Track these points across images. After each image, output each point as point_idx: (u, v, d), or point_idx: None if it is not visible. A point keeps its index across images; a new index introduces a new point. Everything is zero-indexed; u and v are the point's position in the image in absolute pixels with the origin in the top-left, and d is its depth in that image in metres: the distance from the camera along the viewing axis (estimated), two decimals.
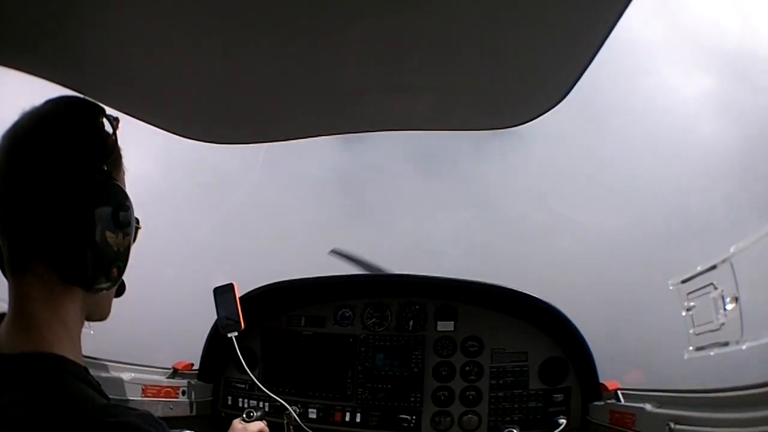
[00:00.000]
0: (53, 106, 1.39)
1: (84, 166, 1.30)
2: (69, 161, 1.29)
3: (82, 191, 1.27)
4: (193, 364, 3.95)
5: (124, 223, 1.34)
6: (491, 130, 2.08)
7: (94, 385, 1.27)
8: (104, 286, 1.35)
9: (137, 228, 1.45)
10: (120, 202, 1.34)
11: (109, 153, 1.38)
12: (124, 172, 1.44)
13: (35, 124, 1.32)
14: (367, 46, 1.56)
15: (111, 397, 1.29)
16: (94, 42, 1.53)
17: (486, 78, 1.74)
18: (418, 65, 1.67)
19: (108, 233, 1.30)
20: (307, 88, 1.82)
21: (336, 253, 4.65)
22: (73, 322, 1.32)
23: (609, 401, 3.25)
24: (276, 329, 4.06)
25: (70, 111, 1.39)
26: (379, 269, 4.43)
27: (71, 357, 1.25)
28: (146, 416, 1.21)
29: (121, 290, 1.47)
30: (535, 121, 1.95)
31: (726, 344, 2.42)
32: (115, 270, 1.35)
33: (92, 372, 1.31)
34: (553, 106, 1.85)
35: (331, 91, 1.85)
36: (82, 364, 1.29)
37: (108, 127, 1.42)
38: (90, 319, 1.41)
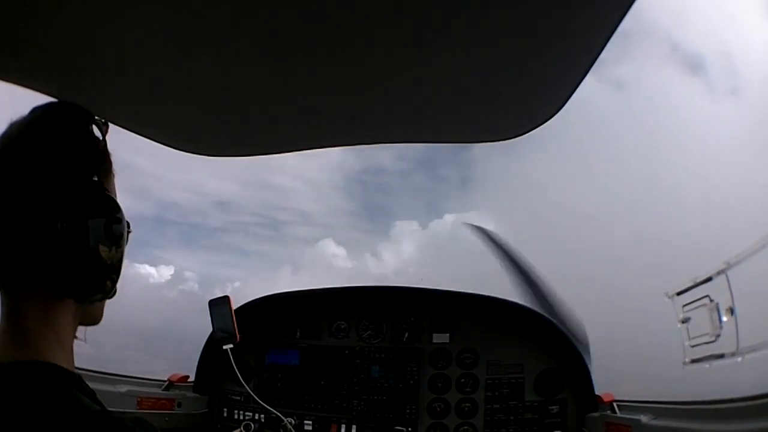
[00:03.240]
0: (41, 113, 1.37)
1: (74, 177, 1.28)
2: (58, 172, 1.26)
3: (73, 204, 1.25)
4: (188, 377, 3.95)
5: (117, 236, 1.33)
6: (489, 142, 2.08)
7: (88, 392, 1.24)
8: (97, 298, 1.34)
9: (129, 233, 1.43)
10: (112, 213, 1.32)
11: (99, 161, 1.37)
12: (114, 176, 1.42)
13: (23, 133, 1.30)
14: (365, 58, 1.56)
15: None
16: (78, 48, 1.50)
17: (482, 90, 1.74)
18: (414, 78, 1.68)
19: (101, 246, 1.28)
20: (304, 101, 1.82)
21: (474, 227, 4.60)
22: (66, 331, 1.30)
23: (605, 413, 3.25)
24: (271, 341, 4.06)
25: (58, 118, 1.37)
26: (511, 253, 4.36)
27: (64, 365, 1.23)
28: (140, 420, 1.20)
29: (112, 294, 1.43)
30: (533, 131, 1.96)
31: (721, 356, 2.43)
32: (108, 282, 1.33)
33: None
34: (551, 117, 1.86)
35: (328, 104, 1.85)
36: (75, 372, 1.27)
37: (97, 133, 1.41)
38: (82, 324, 1.39)
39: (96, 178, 1.33)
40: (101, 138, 1.41)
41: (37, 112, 1.37)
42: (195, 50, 1.54)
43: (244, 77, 1.68)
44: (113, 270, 1.34)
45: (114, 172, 1.43)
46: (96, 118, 1.44)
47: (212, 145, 2.17)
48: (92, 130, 1.40)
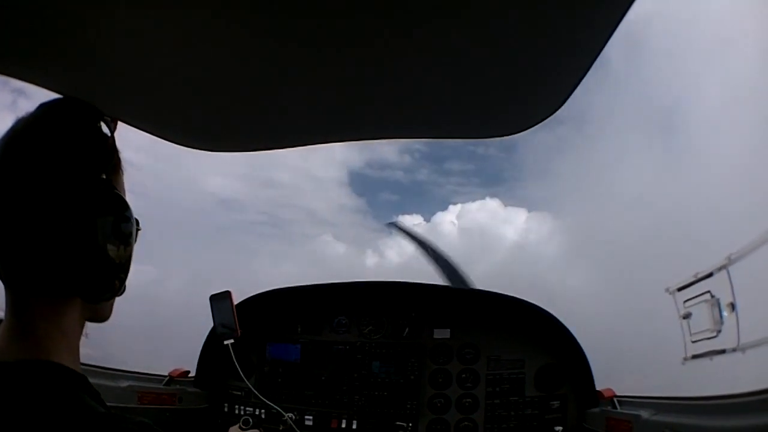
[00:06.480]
0: (49, 109, 1.35)
1: (82, 175, 1.26)
2: (66, 170, 1.24)
3: (81, 203, 1.23)
4: (188, 372, 3.94)
5: (126, 234, 1.32)
6: (491, 138, 2.08)
7: (93, 393, 1.23)
8: (106, 297, 1.33)
9: (138, 230, 1.42)
10: (120, 212, 1.31)
11: (107, 159, 1.34)
12: (123, 174, 1.41)
13: (30, 129, 1.27)
14: (367, 54, 1.56)
15: (108, 404, 1.25)
16: (80, 45, 1.49)
17: (482, 87, 1.74)
18: (416, 73, 1.68)
19: (109, 246, 1.27)
20: (306, 96, 1.82)
21: (394, 225, 5.17)
22: (73, 331, 1.28)
23: (605, 408, 3.25)
24: (272, 336, 4.07)
25: (65, 115, 1.35)
26: (434, 248, 4.53)
27: (69, 365, 1.22)
28: (144, 425, 1.19)
29: (121, 292, 1.41)
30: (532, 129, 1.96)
31: (722, 352, 2.43)
32: (117, 282, 1.32)
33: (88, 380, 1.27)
34: (550, 115, 1.86)
35: (330, 99, 1.85)
36: (80, 372, 1.25)
37: (105, 130, 1.39)
38: (90, 321, 1.38)
39: (104, 176, 1.31)
40: (109, 135, 1.39)
41: (45, 108, 1.35)
42: (197, 46, 1.53)
43: (246, 72, 1.68)
44: (122, 269, 1.33)
45: (123, 169, 1.41)
46: (104, 115, 1.42)
47: (215, 141, 2.17)
48: (100, 127, 1.39)
